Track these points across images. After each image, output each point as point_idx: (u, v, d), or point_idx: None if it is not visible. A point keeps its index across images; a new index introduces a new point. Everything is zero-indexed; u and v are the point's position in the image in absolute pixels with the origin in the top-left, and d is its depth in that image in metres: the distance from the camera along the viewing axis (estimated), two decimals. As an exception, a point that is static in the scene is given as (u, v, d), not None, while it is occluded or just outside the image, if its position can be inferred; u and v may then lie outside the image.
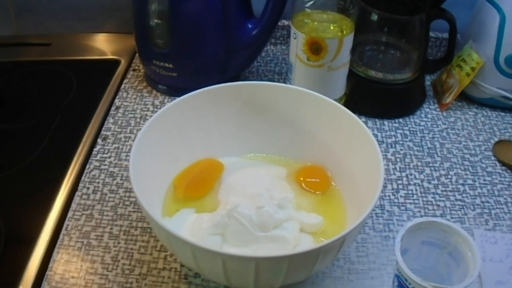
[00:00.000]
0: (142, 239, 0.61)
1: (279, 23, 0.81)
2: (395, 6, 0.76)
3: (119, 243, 0.60)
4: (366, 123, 0.73)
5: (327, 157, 0.64)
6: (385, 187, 0.68)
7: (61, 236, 0.61)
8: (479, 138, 0.76)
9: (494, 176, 0.70)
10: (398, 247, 0.48)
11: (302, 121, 0.65)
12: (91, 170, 0.70)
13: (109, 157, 0.72)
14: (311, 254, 0.47)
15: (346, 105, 0.64)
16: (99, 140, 0.74)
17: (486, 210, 0.65)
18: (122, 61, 0.91)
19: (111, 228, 0.62)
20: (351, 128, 0.60)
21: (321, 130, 0.64)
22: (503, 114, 0.81)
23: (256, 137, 0.67)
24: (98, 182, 0.68)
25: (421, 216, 0.64)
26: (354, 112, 0.60)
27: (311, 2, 0.71)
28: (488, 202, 0.66)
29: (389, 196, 0.67)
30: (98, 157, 0.72)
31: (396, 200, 0.66)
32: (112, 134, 0.75)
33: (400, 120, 0.79)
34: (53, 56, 0.93)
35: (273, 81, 0.85)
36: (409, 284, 0.47)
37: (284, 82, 0.79)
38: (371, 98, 0.80)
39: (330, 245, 0.47)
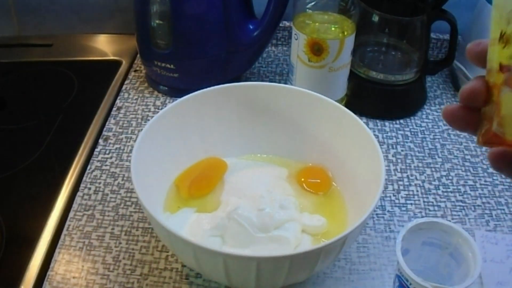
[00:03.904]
0: (144, 239, 0.61)
1: (281, 24, 0.81)
2: (396, 7, 0.76)
3: (120, 243, 0.60)
4: (367, 124, 0.73)
5: (328, 158, 0.64)
6: (386, 188, 0.68)
7: (62, 236, 0.61)
8: (480, 139, 0.76)
9: (495, 177, 0.70)
10: (399, 247, 0.48)
11: (303, 122, 0.65)
12: (93, 171, 0.70)
13: (111, 157, 0.72)
14: (312, 254, 0.47)
15: (347, 106, 0.64)
16: (100, 141, 0.74)
17: (487, 211, 0.65)
18: (124, 62, 0.91)
19: (113, 229, 0.62)
20: (352, 129, 0.60)
21: (322, 131, 0.64)
22: (504, 115, 0.81)
23: (257, 137, 0.67)
24: (100, 183, 0.68)
25: (422, 216, 0.64)
26: (355, 113, 0.61)
27: (312, 3, 0.71)
28: (489, 203, 0.66)
29: (390, 196, 0.67)
30: (99, 158, 0.72)
31: (397, 201, 0.66)
32: (113, 134, 0.75)
33: (401, 121, 0.79)
34: (55, 57, 0.94)
35: (274, 82, 0.85)
36: (410, 284, 0.47)
37: (285, 83, 0.79)
38: (372, 99, 0.80)
39: (331, 246, 0.47)
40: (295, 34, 0.72)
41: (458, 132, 0.77)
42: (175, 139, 0.63)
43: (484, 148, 0.75)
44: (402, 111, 0.80)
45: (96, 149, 0.73)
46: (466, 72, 0.82)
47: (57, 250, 0.59)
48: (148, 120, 0.68)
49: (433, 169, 0.71)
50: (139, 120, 0.78)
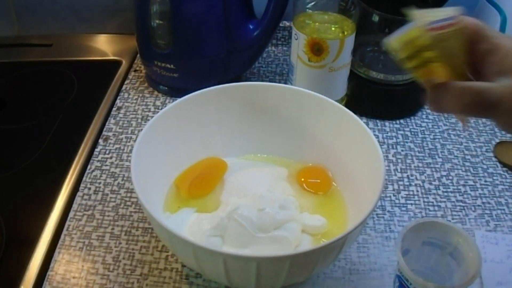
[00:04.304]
0: (143, 240, 0.61)
1: (280, 24, 0.81)
2: (397, 7, 0.76)
3: (120, 243, 0.60)
4: (367, 124, 0.73)
5: (328, 158, 0.64)
6: (386, 188, 0.68)
7: (62, 236, 0.61)
8: (480, 139, 0.76)
9: (495, 177, 0.70)
10: (399, 247, 0.48)
11: (303, 122, 0.65)
12: (93, 171, 0.70)
13: (111, 157, 0.72)
14: (312, 254, 0.47)
15: (347, 106, 0.64)
16: (100, 141, 0.74)
17: (487, 211, 0.65)
18: (124, 62, 0.91)
19: (112, 229, 0.62)
20: (352, 129, 0.60)
21: (322, 131, 0.64)
22: (504, 115, 0.81)
23: (257, 137, 0.67)
24: (100, 183, 0.68)
25: (422, 217, 0.64)
26: (355, 113, 0.61)
27: (313, 3, 0.71)
28: (489, 203, 0.66)
29: (390, 197, 0.67)
30: (99, 158, 0.72)
31: (397, 201, 0.66)
32: (113, 134, 0.75)
33: (401, 121, 0.79)
34: (55, 57, 0.94)
35: (274, 82, 0.85)
36: (410, 284, 0.47)
37: (285, 83, 0.79)
38: (372, 99, 0.80)
39: (331, 246, 0.47)
40: (295, 34, 0.72)
41: (458, 132, 0.77)
42: (175, 139, 0.62)
43: (484, 148, 0.75)
44: (402, 111, 0.80)
45: (96, 149, 0.73)
46: (466, 72, 0.82)
47: (57, 250, 0.59)
48: (148, 120, 0.67)
49: (433, 169, 0.71)
50: (139, 120, 0.78)
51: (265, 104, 0.66)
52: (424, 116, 0.80)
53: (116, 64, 0.91)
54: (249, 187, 0.61)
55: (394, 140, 0.76)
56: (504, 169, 0.72)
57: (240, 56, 0.81)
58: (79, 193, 0.66)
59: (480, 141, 0.76)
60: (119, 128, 0.77)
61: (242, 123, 0.66)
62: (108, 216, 0.64)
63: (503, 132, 0.78)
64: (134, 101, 0.82)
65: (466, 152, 0.74)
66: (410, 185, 0.69)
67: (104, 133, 0.76)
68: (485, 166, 0.72)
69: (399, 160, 0.72)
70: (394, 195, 0.67)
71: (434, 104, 0.42)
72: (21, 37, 1.00)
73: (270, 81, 0.86)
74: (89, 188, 0.67)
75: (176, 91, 0.81)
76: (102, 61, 0.93)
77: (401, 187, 0.68)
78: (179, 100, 0.62)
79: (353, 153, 0.61)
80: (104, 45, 0.96)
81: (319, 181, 0.64)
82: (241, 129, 0.67)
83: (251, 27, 0.79)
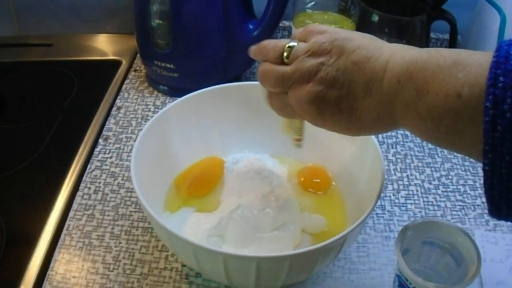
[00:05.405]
0: (143, 239, 0.61)
1: (280, 24, 0.81)
2: (396, 7, 0.76)
3: (120, 243, 0.60)
4: (367, 123, 0.73)
5: (328, 157, 0.64)
6: (385, 187, 0.68)
7: (62, 236, 0.61)
8: (480, 138, 0.76)
9: (494, 177, 0.70)
10: (398, 247, 0.48)
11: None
12: (92, 170, 0.70)
13: (110, 157, 0.72)
14: (312, 254, 0.47)
15: (347, 105, 0.64)
16: (100, 140, 0.74)
17: (487, 211, 0.65)
18: (124, 62, 0.91)
19: (112, 228, 0.62)
20: (352, 128, 0.60)
21: (321, 130, 0.64)
22: (503, 115, 0.81)
23: (257, 137, 0.67)
24: (100, 182, 0.68)
25: (422, 216, 0.64)
26: (355, 112, 0.60)
27: (312, 3, 0.71)
28: (488, 202, 0.66)
29: (389, 196, 0.67)
30: (99, 157, 0.72)
31: (396, 201, 0.66)
32: (113, 134, 0.76)
33: (401, 120, 0.79)
34: (55, 56, 0.94)
35: (274, 81, 0.85)
36: (410, 284, 0.47)
37: (285, 83, 0.78)
38: (372, 98, 0.80)
39: (330, 245, 0.47)
40: (295, 34, 0.72)
41: (458, 132, 0.77)
42: (175, 139, 0.63)
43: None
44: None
45: (96, 149, 0.73)
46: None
47: (57, 250, 0.59)
48: (148, 119, 0.68)
49: (433, 169, 0.71)
50: (139, 120, 0.78)
51: (265, 104, 0.65)
52: (423, 116, 0.80)
53: (116, 64, 0.91)
54: (249, 186, 0.61)
55: (394, 139, 0.76)
56: (504, 168, 0.72)
57: (240, 56, 0.81)
58: (79, 193, 0.66)
59: (479, 141, 0.76)
60: (119, 128, 0.77)
61: (242, 123, 0.66)
62: (108, 215, 0.64)
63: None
64: (134, 101, 0.82)
65: (466, 151, 0.74)
66: (410, 184, 0.69)
67: (104, 132, 0.76)
68: (484, 166, 0.72)
69: (399, 160, 0.72)
70: (393, 195, 0.67)
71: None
72: (21, 37, 1.00)
73: (270, 81, 0.86)
74: (89, 188, 0.67)
75: (176, 91, 0.81)
76: (102, 61, 0.93)
77: (401, 187, 0.68)
78: (179, 100, 0.62)
79: (352, 153, 0.61)
80: (104, 45, 0.96)
81: (319, 180, 0.64)
82: (241, 128, 0.67)
83: (251, 27, 0.79)
